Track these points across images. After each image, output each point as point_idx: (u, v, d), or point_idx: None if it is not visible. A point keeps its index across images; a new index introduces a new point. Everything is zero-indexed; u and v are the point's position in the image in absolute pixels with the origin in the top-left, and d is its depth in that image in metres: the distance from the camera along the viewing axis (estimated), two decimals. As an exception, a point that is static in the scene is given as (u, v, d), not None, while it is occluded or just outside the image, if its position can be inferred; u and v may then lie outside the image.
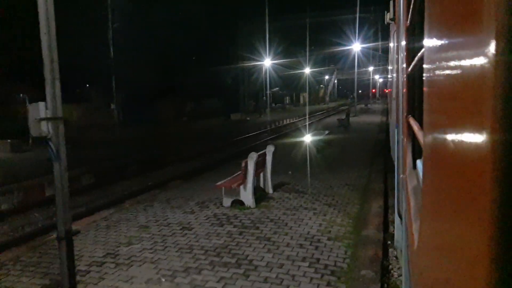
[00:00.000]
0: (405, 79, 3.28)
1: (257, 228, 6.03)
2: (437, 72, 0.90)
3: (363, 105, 51.83)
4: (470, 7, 0.54)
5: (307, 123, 29.57)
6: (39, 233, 6.89)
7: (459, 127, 0.62)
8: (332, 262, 4.78)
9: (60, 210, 3.30)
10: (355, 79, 40.30)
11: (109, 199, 9.37)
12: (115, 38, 23.89)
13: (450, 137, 0.70)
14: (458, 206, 0.63)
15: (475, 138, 0.51)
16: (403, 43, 3.49)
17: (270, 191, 8.17)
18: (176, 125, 29.50)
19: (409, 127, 2.74)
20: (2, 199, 9.11)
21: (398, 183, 4.23)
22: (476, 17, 0.50)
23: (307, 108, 46.54)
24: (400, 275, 4.93)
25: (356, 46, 41.32)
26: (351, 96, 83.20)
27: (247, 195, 7.13)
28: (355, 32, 40.24)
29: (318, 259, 4.86)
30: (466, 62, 0.56)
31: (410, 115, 2.88)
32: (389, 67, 13.82)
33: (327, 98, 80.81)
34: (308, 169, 10.34)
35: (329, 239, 5.53)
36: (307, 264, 4.74)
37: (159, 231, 6.06)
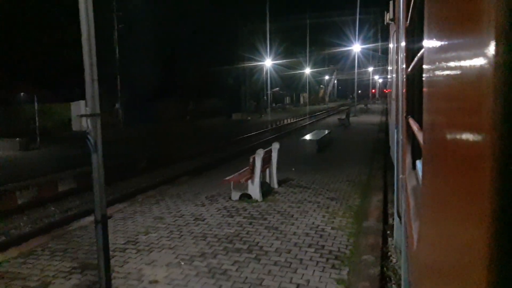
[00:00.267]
0: (404, 79, 3.33)
1: (265, 219, 6.47)
2: (437, 72, 0.90)
3: (363, 105, 52.17)
4: (470, 8, 0.54)
5: (307, 123, 30.08)
6: (60, 224, 7.31)
7: (458, 128, 0.62)
8: (336, 248, 5.22)
9: (97, 197, 3.73)
10: (355, 80, 40.51)
11: (121, 194, 9.80)
12: (120, 38, 24.32)
13: (450, 137, 0.70)
14: (457, 207, 0.64)
15: (475, 138, 0.51)
16: (403, 43, 3.56)
17: (276, 186, 8.60)
18: (179, 124, 29.90)
19: (409, 128, 2.75)
20: (19, 194, 9.54)
21: (397, 183, 4.37)
22: (476, 18, 0.50)
23: (307, 108, 47.05)
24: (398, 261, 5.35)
25: (356, 47, 41.67)
26: (351, 96, 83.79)
27: (254, 189, 7.56)
28: (355, 33, 40.66)
29: (323, 246, 5.30)
30: (465, 63, 0.56)
31: (409, 116, 2.90)
32: (389, 68, 13.86)
33: (327, 98, 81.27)
34: (311, 166, 10.77)
35: (332, 228, 5.97)
36: (313, 250, 5.18)
37: (173, 221, 6.49)
